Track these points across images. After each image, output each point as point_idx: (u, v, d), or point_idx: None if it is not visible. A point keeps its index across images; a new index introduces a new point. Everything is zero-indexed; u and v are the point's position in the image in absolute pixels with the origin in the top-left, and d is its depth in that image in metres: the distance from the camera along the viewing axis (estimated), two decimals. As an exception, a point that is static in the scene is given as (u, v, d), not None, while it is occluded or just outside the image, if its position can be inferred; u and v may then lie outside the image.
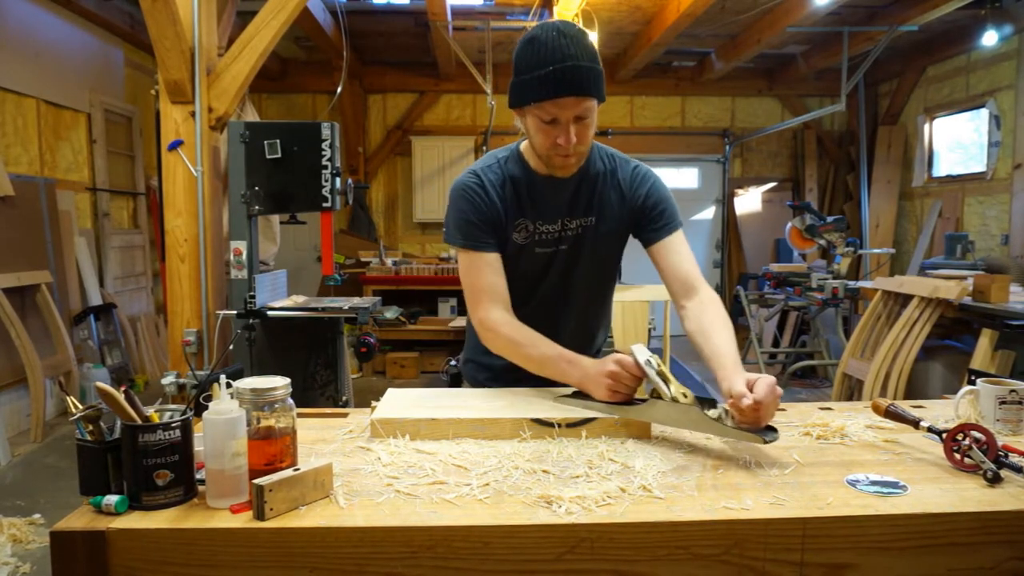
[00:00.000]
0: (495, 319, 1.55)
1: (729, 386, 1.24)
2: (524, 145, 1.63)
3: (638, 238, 1.65)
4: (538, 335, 1.53)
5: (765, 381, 1.21)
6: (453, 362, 1.73)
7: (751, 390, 1.21)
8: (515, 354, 1.54)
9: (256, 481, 0.98)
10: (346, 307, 3.37)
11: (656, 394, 1.32)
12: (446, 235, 1.61)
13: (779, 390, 1.22)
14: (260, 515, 0.98)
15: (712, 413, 1.26)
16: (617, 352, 1.42)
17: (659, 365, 1.34)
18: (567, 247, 1.62)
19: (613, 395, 1.37)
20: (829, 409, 1.56)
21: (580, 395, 1.44)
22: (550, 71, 1.38)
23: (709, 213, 8.57)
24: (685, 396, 1.29)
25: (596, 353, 1.76)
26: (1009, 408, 1.36)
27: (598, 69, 1.42)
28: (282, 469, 1.04)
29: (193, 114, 3.50)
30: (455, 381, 1.80)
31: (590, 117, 1.45)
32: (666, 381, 1.31)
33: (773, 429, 1.23)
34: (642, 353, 1.36)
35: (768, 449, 1.28)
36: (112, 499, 0.99)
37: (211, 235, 3.58)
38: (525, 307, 1.61)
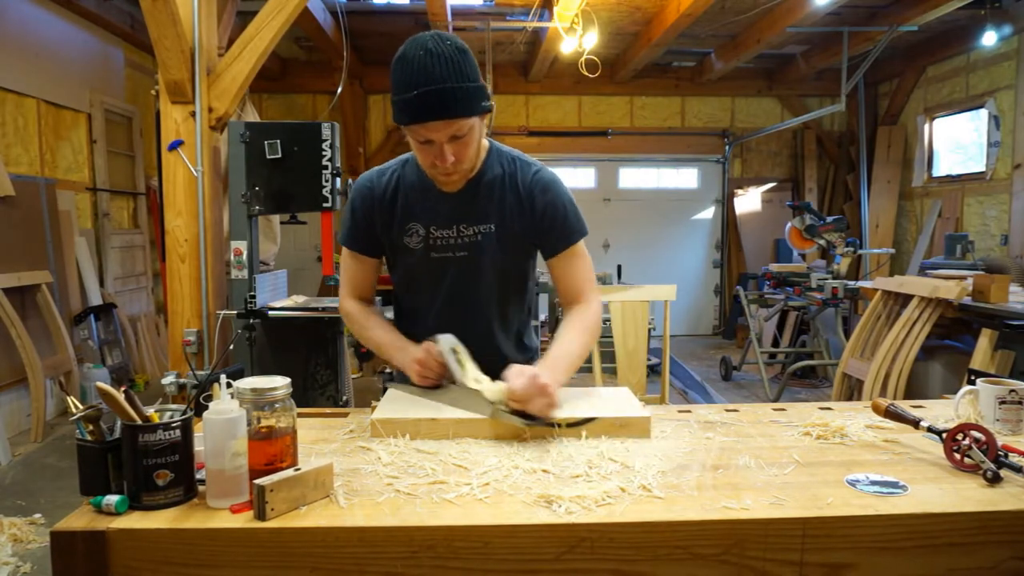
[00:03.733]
0: (347, 307, 1.70)
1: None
2: None
3: (537, 248, 1.64)
4: (381, 321, 1.67)
5: (524, 373, 1.32)
6: (389, 374, 1.74)
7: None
8: (361, 337, 1.68)
9: (257, 481, 0.98)
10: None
11: (453, 380, 1.43)
12: (337, 233, 1.75)
13: (543, 383, 1.30)
14: (261, 515, 0.98)
15: (491, 395, 1.34)
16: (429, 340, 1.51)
17: (459, 354, 1.44)
18: (466, 253, 1.59)
19: (422, 380, 1.51)
20: (829, 409, 1.56)
21: (407, 379, 1.56)
22: (415, 96, 1.36)
23: (709, 213, 8.57)
24: (478, 382, 1.38)
25: (530, 359, 1.73)
26: (1009, 408, 1.37)
27: (468, 87, 1.38)
28: (282, 469, 1.04)
29: (193, 114, 3.50)
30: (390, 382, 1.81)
31: (468, 135, 1.43)
32: (463, 368, 1.42)
33: (542, 420, 1.31)
34: (446, 343, 1.46)
35: (768, 449, 1.28)
36: (112, 499, 0.99)
37: (211, 235, 3.58)
38: (431, 314, 1.63)
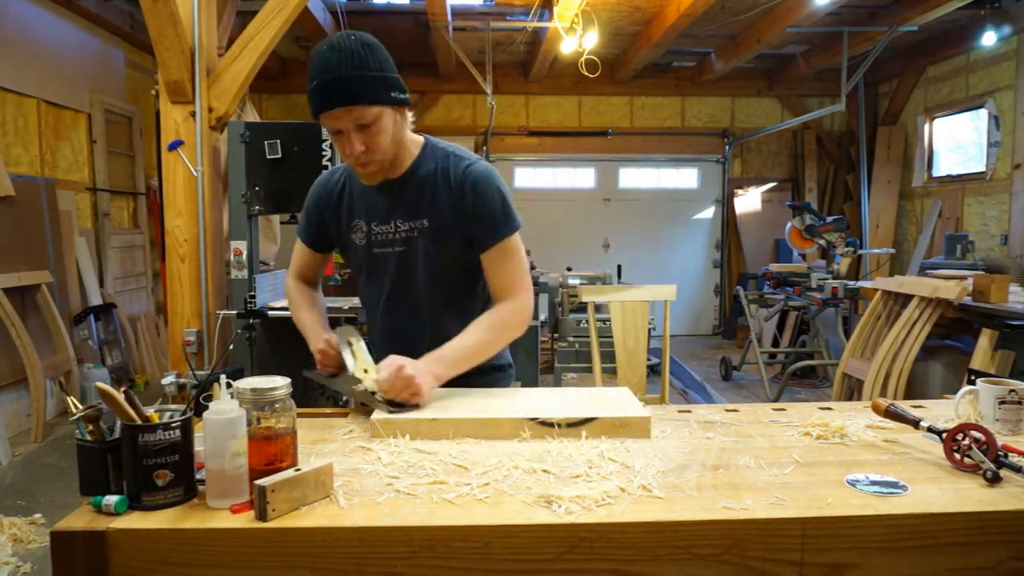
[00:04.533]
0: (288, 283, 1.82)
1: None
2: None
3: (471, 244, 1.61)
4: (311, 303, 1.77)
5: (391, 364, 1.41)
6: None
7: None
8: (294, 315, 1.77)
9: (258, 482, 0.98)
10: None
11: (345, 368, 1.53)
12: None
13: (407, 374, 1.39)
14: (262, 516, 0.97)
15: (369, 385, 1.44)
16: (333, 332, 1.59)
17: (353, 344, 1.54)
18: (403, 248, 1.62)
19: (323, 368, 1.61)
20: (829, 409, 1.56)
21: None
22: (315, 85, 1.43)
23: (709, 213, 8.57)
24: (365, 372, 1.49)
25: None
26: (1009, 408, 1.36)
27: (367, 75, 1.42)
28: (282, 469, 1.04)
29: (193, 114, 3.50)
30: (308, 387, 1.84)
31: (376, 124, 1.45)
32: (355, 359, 1.52)
33: (414, 405, 1.41)
34: (342, 334, 1.56)
35: (768, 449, 1.28)
36: (112, 499, 0.99)
37: (211, 235, 3.58)
38: (378, 311, 1.69)
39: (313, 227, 1.73)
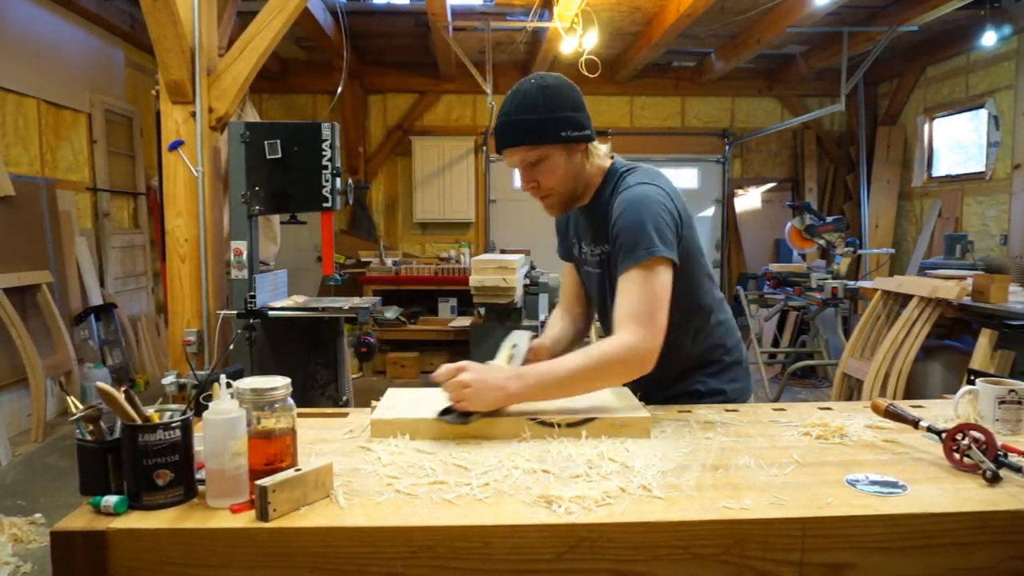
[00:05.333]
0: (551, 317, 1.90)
1: None
2: None
3: None
4: (557, 337, 1.81)
5: (458, 365, 1.36)
6: None
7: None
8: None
9: (259, 482, 0.98)
10: (346, 307, 3.37)
11: None
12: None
13: (463, 377, 1.33)
14: (264, 516, 0.97)
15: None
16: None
17: (516, 347, 1.55)
18: (599, 271, 1.69)
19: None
20: (829, 409, 1.56)
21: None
22: (494, 128, 1.58)
23: (709, 213, 8.56)
24: None
25: (712, 368, 1.70)
26: (1008, 408, 1.37)
27: (532, 119, 1.49)
28: (282, 469, 1.04)
29: (193, 114, 3.49)
30: None
31: (544, 163, 1.53)
32: (507, 362, 1.52)
33: (468, 415, 1.33)
34: (510, 338, 1.58)
35: (768, 449, 1.28)
36: (112, 499, 0.99)
37: (211, 235, 3.58)
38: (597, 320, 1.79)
39: (564, 245, 1.84)
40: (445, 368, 1.36)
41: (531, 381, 1.37)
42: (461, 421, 1.32)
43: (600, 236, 1.64)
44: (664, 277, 1.45)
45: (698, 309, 1.66)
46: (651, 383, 1.52)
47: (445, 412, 1.34)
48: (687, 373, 1.70)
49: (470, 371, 1.34)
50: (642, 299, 1.43)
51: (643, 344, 1.39)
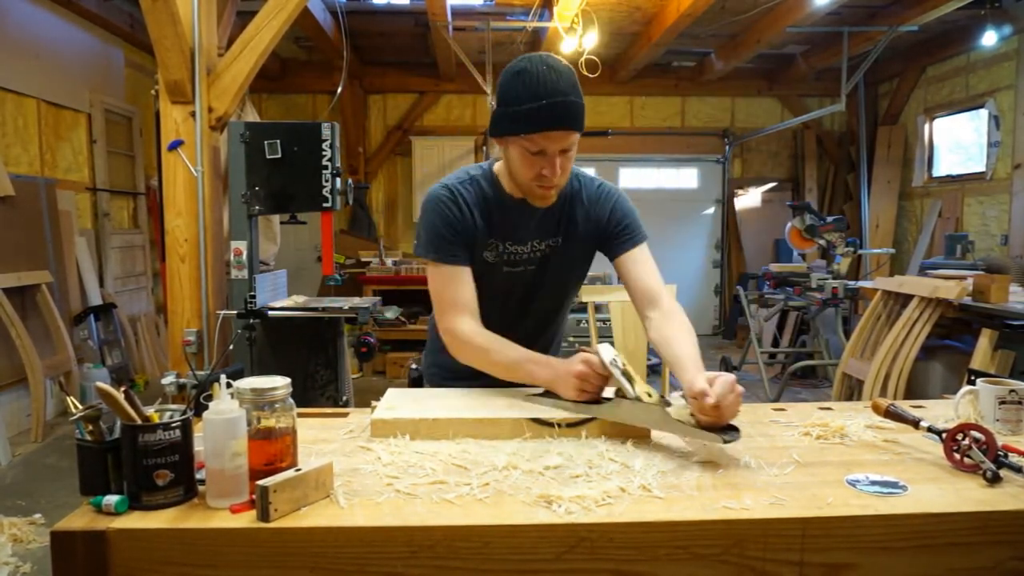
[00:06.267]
0: (464, 330, 1.57)
1: (690, 385, 1.24)
2: (498, 167, 1.66)
3: (603, 252, 1.71)
4: (504, 340, 1.56)
5: (724, 379, 1.22)
6: (414, 365, 1.74)
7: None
8: (484, 361, 1.56)
9: (260, 482, 0.98)
10: (346, 307, 3.37)
11: (621, 393, 1.32)
12: (416, 247, 1.64)
13: (740, 389, 1.22)
14: (265, 516, 0.97)
15: (674, 412, 1.25)
16: (585, 351, 1.41)
17: (624, 364, 1.34)
18: (534, 267, 1.68)
19: (581, 394, 1.38)
20: (829, 409, 1.56)
21: (549, 394, 1.45)
22: (543, 104, 1.43)
23: (709, 213, 8.56)
24: (650, 395, 1.30)
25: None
26: (1009, 408, 1.36)
27: (583, 103, 1.49)
28: (282, 469, 1.04)
29: (193, 114, 3.49)
30: (416, 383, 1.82)
31: (573, 150, 1.53)
32: (631, 380, 1.32)
33: (735, 428, 1.22)
34: (607, 352, 1.36)
35: (768, 449, 1.28)
36: (112, 499, 0.99)
37: (211, 235, 3.58)
38: (485, 321, 1.61)
39: (456, 242, 1.59)
40: (726, 384, 1.21)
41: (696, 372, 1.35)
42: (735, 438, 1.21)
43: (551, 231, 1.66)
44: None
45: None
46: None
47: (725, 432, 1.21)
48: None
49: (735, 381, 1.24)
50: (657, 270, 1.68)
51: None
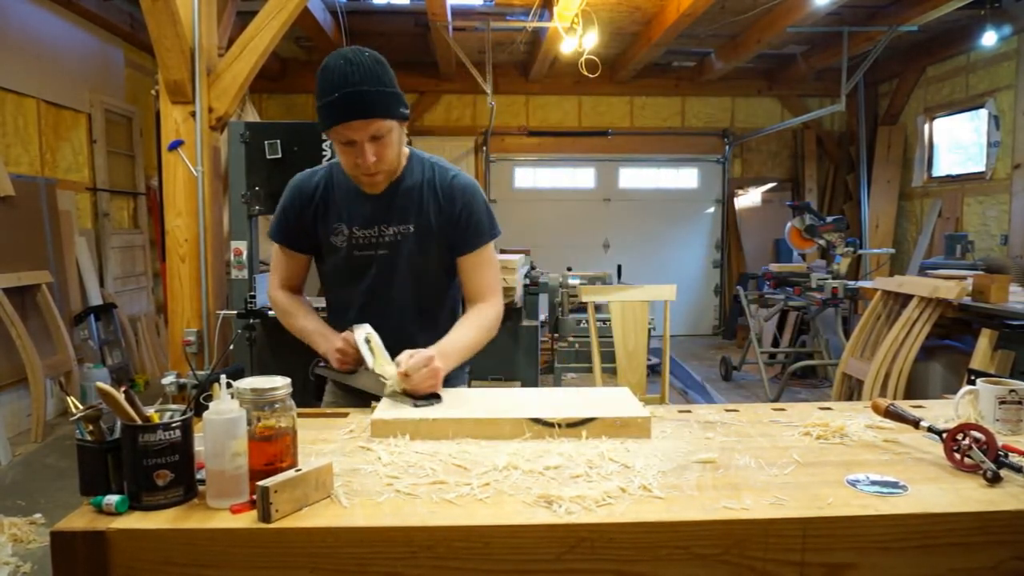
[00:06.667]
0: (275, 296, 1.80)
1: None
2: None
3: (450, 247, 1.71)
4: (307, 309, 1.77)
5: (419, 355, 1.47)
6: (323, 363, 1.75)
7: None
8: (287, 324, 1.77)
9: (261, 483, 0.98)
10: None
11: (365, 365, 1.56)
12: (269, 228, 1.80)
13: (437, 366, 1.47)
14: (266, 517, 0.97)
15: (388, 382, 1.49)
16: (349, 331, 1.60)
17: (371, 342, 1.57)
18: (386, 252, 1.69)
19: (341, 364, 1.62)
20: (829, 409, 1.56)
21: (327, 363, 1.69)
22: (336, 97, 1.49)
23: (709, 213, 8.57)
24: (383, 368, 1.52)
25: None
26: (1009, 408, 1.36)
27: (386, 91, 1.52)
28: (282, 469, 1.04)
29: (193, 114, 3.50)
30: (320, 384, 1.84)
31: (387, 136, 1.54)
32: (374, 355, 1.55)
33: (436, 396, 1.47)
34: (360, 332, 1.58)
35: (768, 449, 1.28)
36: (112, 499, 0.99)
37: (211, 235, 3.58)
38: (353, 308, 1.72)
39: (293, 228, 1.73)
40: (418, 359, 1.46)
41: (454, 357, 1.60)
42: (431, 403, 1.45)
43: (403, 217, 1.67)
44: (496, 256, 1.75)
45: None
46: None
47: (424, 399, 1.46)
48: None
49: (436, 359, 1.49)
50: (496, 272, 1.74)
51: (501, 311, 1.73)
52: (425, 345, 1.59)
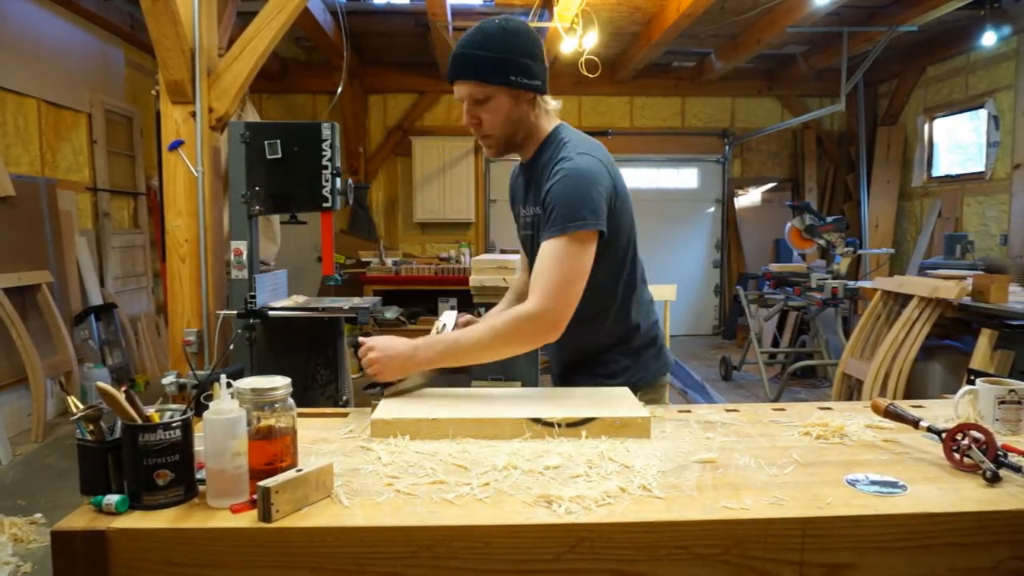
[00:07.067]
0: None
1: None
2: None
3: None
4: (490, 315, 1.79)
5: (369, 342, 1.50)
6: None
7: None
8: None
9: (262, 483, 0.98)
10: (346, 307, 3.36)
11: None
12: None
13: (371, 356, 1.48)
14: (267, 517, 0.97)
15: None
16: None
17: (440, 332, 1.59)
18: (530, 232, 1.68)
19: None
20: (829, 409, 1.56)
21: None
22: (449, 57, 1.56)
23: (709, 213, 8.57)
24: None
25: (635, 345, 1.70)
26: (1008, 408, 1.37)
27: (490, 56, 1.50)
28: (282, 469, 1.04)
29: (193, 114, 3.49)
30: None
31: (489, 102, 1.54)
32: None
33: (383, 385, 1.52)
34: (444, 318, 1.62)
35: (768, 449, 1.28)
36: (112, 499, 0.99)
37: (211, 235, 3.58)
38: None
39: (513, 209, 1.81)
40: (367, 345, 1.50)
41: (439, 348, 1.49)
42: (377, 392, 1.50)
43: (534, 198, 1.64)
44: (590, 251, 1.47)
45: (623, 284, 1.65)
46: (566, 359, 1.69)
47: (370, 387, 1.51)
48: (602, 350, 1.68)
49: (376, 348, 1.49)
50: (563, 269, 1.45)
51: (552, 314, 1.44)
52: (581, 343, 1.62)
